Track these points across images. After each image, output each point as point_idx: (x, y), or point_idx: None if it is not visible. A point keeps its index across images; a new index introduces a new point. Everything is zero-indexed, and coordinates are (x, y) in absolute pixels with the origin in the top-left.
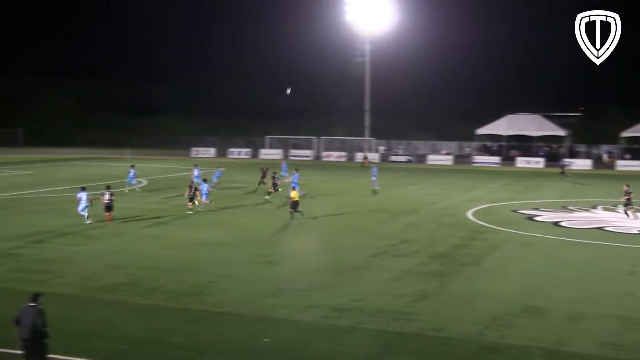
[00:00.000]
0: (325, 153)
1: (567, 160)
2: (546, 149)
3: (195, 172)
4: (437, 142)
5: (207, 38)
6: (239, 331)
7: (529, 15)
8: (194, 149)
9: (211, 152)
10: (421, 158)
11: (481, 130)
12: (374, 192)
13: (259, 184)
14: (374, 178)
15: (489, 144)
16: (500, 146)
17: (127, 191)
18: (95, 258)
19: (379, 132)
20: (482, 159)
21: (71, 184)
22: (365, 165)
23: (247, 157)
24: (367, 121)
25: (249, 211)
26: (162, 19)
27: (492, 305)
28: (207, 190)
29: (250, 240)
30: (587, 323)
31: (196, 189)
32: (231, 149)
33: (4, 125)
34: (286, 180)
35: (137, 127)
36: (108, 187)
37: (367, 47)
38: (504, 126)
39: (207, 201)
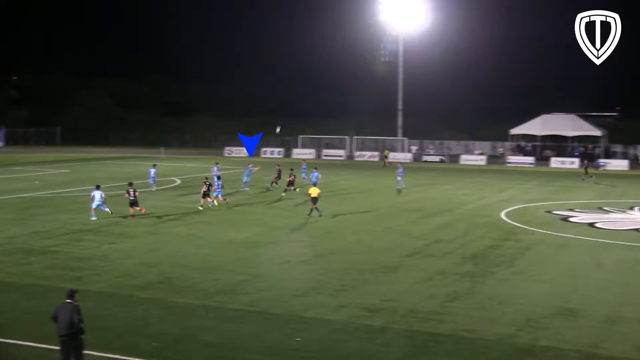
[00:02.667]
0: (358, 153)
1: (602, 161)
2: (581, 149)
3: (215, 169)
4: (470, 142)
5: (241, 38)
6: (271, 330)
7: (564, 15)
8: (228, 148)
9: (244, 151)
10: (454, 158)
11: (515, 130)
12: (399, 192)
13: (271, 183)
14: (399, 178)
15: (523, 144)
16: (534, 146)
17: (154, 190)
18: (130, 256)
19: (412, 132)
20: (516, 159)
21: (106, 182)
22: (387, 165)
23: (280, 156)
24: (399, 121)
25: (280, 211)
26: (197, 19)
27: (525, 307)
28: (220, 188)
29: (282, 239)
30: (623, 326)
31: (210, 185)
32: (264, 148)
33: (43, 124)
34: (306, 182)
35: (172, 126)
36: (130, 184)
37: (400, 47)
38: (539, 126)
39: (222, 199)
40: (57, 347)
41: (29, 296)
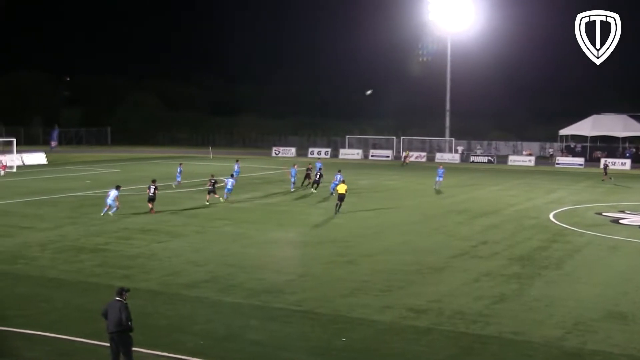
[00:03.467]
0: (405, 153)
1: None
2: (633, 150)
3: (236, 167)
4: (519, 143)
5: (289, 39)
6: (316, 330)
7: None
8: (275, 148)
9: (292, 151)
10: (502, 159)
11: (565, 131)
12: (437, 192)
13: (302, 183)
14: (439, 179)
15: (572, 144)
16: (584, 147)
17: (174, 186)
18: (178, 255)
19: (460, 133)
20: (565, 160)
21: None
22: (404, 165)
23: (326, 156)
24: (447, 121)
25: (325, 211)
26: (244, 20)
27: (573, 310)
28: (231, 186)
29: (327, 239)
30: None
31: (215, 183)
32: (311, 148)
33: (94, 124)
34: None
35: (220, 126)
36: (154, 181)
37: (449, 47)
38: (589, 126)
39: (225, 197)
40: (107, 344)
41: (80, 293)
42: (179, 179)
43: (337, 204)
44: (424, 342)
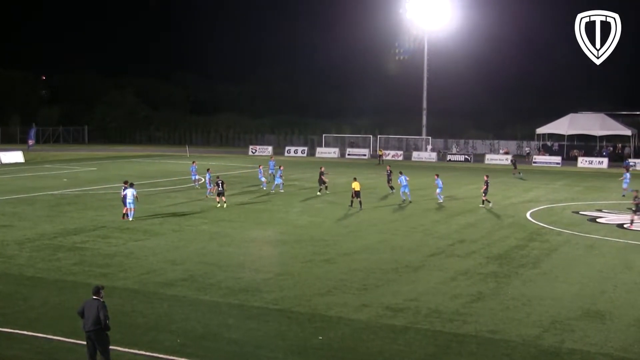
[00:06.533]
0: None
1: (632, 161)
2: (610, 148)
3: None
4: (496, 142)
5: (267, 38)
6: (294, 328)
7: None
8: (252, 146)
9: (268, 149)
10: (479, 157)
11: (542, 130)
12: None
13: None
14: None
15: (549, 143)
16: (561, 146)
17: (198, 187)
18: (155, 253)
19: (437, 131)
20: (542, 159)
21: (132, 180)
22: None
23: (303, 155)
24: (424, 120)
25: (303, 210)
26: (223, 19)
27: (551, 309)
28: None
29: (306, 238)
30: None
31: (223, 183)
32: (288, 147)
33: (73, 123)
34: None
35: (198, 125)
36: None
37: (425, 46)
38: (566, 125)
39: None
40: (85, 342)
41: (58, 291)
42: (194, 178)
43: (351, 200)
44: (401, 340)
